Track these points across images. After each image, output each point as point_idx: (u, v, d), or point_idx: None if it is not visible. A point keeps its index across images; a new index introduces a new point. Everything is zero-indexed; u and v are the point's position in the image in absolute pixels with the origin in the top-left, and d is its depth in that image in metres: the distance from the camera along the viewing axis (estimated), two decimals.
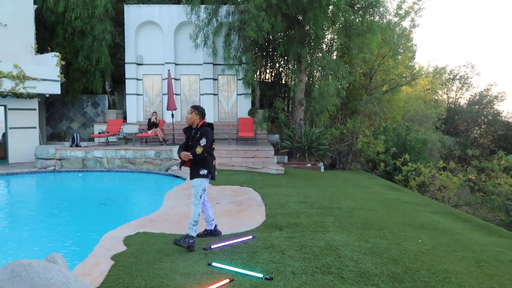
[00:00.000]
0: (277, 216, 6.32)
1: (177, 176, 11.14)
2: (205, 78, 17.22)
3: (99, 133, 14.69)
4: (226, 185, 9.26)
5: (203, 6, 15.18)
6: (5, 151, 13.76)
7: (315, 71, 14.16)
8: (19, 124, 13.88)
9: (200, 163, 4.78)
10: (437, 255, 4.61)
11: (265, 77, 20.07)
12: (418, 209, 7.30)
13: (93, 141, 15.33)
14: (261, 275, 3.87)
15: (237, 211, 6.79)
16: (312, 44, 13.17)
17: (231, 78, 17.35)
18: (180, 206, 7.18)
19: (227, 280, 3.76)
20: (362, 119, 15.58)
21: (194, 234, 4.69)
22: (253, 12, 12.16)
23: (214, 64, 17.04)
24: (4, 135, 13.72)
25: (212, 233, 5.20)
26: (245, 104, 17.03)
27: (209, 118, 17.02)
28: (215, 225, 5.25)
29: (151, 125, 14.19)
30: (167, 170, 12.02)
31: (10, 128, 13.72)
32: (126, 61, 17.01)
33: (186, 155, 4.74)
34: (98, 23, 15.72)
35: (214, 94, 17.42)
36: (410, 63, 19.94)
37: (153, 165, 12.33)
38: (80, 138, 13.59)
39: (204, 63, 17.09)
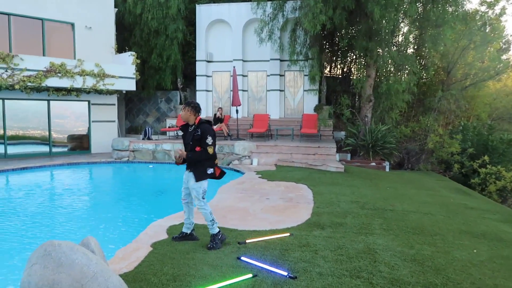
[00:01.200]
0: (323, 215, 6.15)
1: (237, 170, 11.37)
2: (272, 74, 17.31)
3: (169, 127, 15.54)
4: (281, 181, 9.24)
5: (269, 2, 15.25)
6: (89, 142, 15.21)
7: (383, 66, 13.42)
8: (100, 118, 15.25)
9: (204, 162, 4.56)
10: (490, 268, 4.14)
11: (336, 72, 19.58)
12: (484, 216, 6.60)
13: (166, 134, 16.25)
14: (285, 273, 3.81)
15: (284, 207, 6.74)
16: (379, 38, 12.50)
17: (298, 74, 17.21)
18: (229, 199, 7.33)
19: (250, 275, 3.76)
20: (437, 117, 14.44)
21: (217, 231, 4.63)
22: (310, 3, 11.93)
23: (281, 60, 17.03)
24: (89, 128, 15.16)
25: (188, 237, 4.88)
26: (311, 100, 16.79)
27: (274, 114, 17.12)
28: (193, 230, 4.95)
29: (217, 120, 14.64)
30: (228, 164, 12.33)
31: (92, 121, 15.13)
32: (196, 58, 17.74)
33: (181, 154, 4.56)
34: (171, 23, 16.61)
35: (280, 90, 17.44)
36: (502, 56, 17.97)
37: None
38: (152, 131, 14.51)
39: (271, 59, 17.17)
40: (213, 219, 4.59)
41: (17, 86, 12.35)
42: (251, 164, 12.12)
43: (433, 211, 6.62)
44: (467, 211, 6.86)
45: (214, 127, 14.13)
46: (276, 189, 8.31)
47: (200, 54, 17.71)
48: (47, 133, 14.26)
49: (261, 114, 15.58)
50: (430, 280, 3.74)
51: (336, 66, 19.52)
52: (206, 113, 17.78)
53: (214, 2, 18.32)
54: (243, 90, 17.59)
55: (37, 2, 13.82)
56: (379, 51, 13.32)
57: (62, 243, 3.14)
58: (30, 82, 12.52)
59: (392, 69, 13.15)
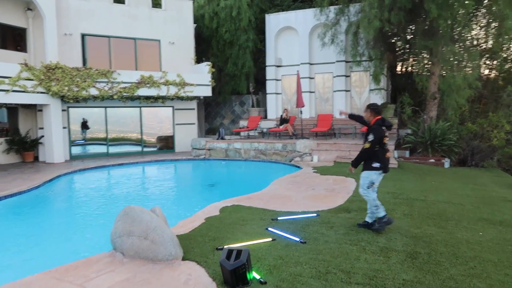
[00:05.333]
0: (355, 202, 7.00)
1: (298, 166, 12.46)
2: (337, 76, 17.99)
3: (240, 128, 17.14)
4: (332, 175, 10.11)
5: (332, 7, 16.03)
6: (173, 142, 17.47)
7: (445, 63, 13.37)
8: (182, 121, 17.42)
9: (372, 156, 5.18)
10: (484, 246, 4.70)
11: (400, 71, 19.53)
12: None
13: (239, 135, 17.89)
14: (297, 239, 4.88)
15: (323, 196, 7.70)
16: (438, 35, 12.57)
17: (363, 74, 17.65)
18: (279, 189, 8.49)
19: (270, 239, 4.91)
20: (510, 112, 13.88)
21: (382, 214, 5.16)
22: (366, 9, 12.48)
23: (346, 62, 17.64)
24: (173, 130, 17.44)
25: (368, 226, 5.33)
26: (376, 99, 17.09)
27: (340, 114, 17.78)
28: (374, 221, 5.33)
29: (283, 120, 15.84)
30: (290, 161, 13.45)
31: (176, 124, 17.36)
32: (266, 64, 19.16)
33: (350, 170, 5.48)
34: (242, 34, 18.26)
35: (346, 91, 18.02)
36: None
37: (280, 156, 13.93)
38: (225, 132, 16.23)
39: (336, 61, 17.86)
40: (377, 205, 5.17)
41: (115, 96, 14.91)
42: (311, 160, 13.09)
43: (465, 202, 7.04)
44: (503, 203, 7.12)
45: (280, 127, 15.39)
46: (324, 182, 9.25)
47: (269, 59, 19.08)
48: (140, 135, 16.79)
49: (325, 114, 16.40)
50: (417, 250, 4.52)
51: (400, 64, 19.47)
52: (276, 114, 19.07)
53: (282, 11, 19.56)
54: (310, 92, 18.55)
55: (131, 24, 16.40)
56: (443, 49, 13.34)
57: (135, 207, 4.64)
58: (125, 92, 15.01)
59: (454, 65, 13.06)
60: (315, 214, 6.13)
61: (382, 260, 4.21)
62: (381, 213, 5.20)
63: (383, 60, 15.23)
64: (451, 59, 13.03)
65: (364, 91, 17.91)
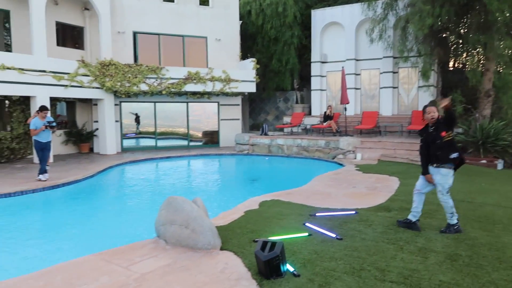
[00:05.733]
0: (396, 202, 6.87)
1: (340, 164, 12.35)
2: (384, 72, 17.53)
3: (283, 124, 17.20)
4: (375, 173, 9.94)
5: (380, 1, 15.59)
6: (218, 137, 17.88)
7: (501, 59, 12.59)
8: (227, 116, 17.78)
9: (450, 146, 4.88)
10: None
11: (452, 67, 18.62)
12: None
13: (282, 131, 17.96)
14: (334, 235, 4.91)
15: (364, 194, 7.62)
16: (493, 30, 11.85)
17: (412, 70, 17.05)
18: (319, 186, 8.49)
19: (306, 234, 4.98)
20: None
21: (454, 222, 5.04)
22: (419, 6, 12.02)
23: (394, 58, 17.13)
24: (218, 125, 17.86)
25: (409, 225, 5.20)
26: (426, 97, 16.48)
27: (386, 111, 17.35)
28: (417, 220, 5.23)
29: (326, 117, 15.71)
30: (333, 158, 13.34)
31: (221, 119, 17.75)
32: (312, 60, 19.04)
33: (430, 179, 5.10)
34: (287, 30, 18.27)
35: (393, 87, 17.52)
36: None
37: (323, 153, 13.85)
38: (268, 128, 16.38)
39: (383, 57, 17.41)
40: (452, 212, 5.01)
41: (164, 92, 15.52)
42: (355, 158, 12.90)
43: None
44: None
45: (324, 123, 15.29)
46: (366, 180, 9.12)
47: (315, 55, 18.95)
48: (186, 129, 17.34)
49: (370, 112, 16.06)
50: (457, 252, 4.39)
51: (451, 60, 18.55)
52: (320, 111, 18.92)
53: (328, 6, 19.32)
54: (355, 88, 18.22)
55: (180, 22, 16.94)
56: (501, 44, 12.58)
57: (178, 198, 4.89)
58: (173, 88, 15.57)
59: (511, 61, 12.28)
60: (354, 212, 6.10)
61: (419, 260, 4.15)
62: (454, 220, 5.05)
63: (433, 55, 14.62)
64: (508, 54, 12.26)
65: (412, 88, 17.32)
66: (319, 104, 19.11)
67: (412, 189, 7.86)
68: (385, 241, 4.76)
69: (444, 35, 15.42)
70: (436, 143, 4.97)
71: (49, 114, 10.24)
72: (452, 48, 16.06)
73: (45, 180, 9.38)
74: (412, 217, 5.26)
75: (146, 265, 4.11)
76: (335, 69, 18.67)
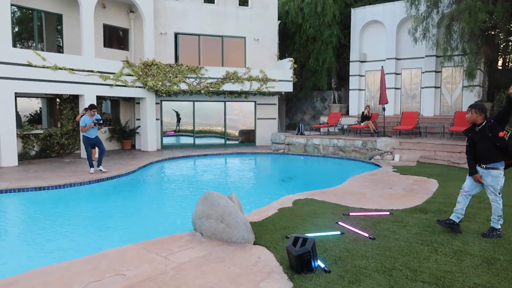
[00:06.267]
0: (433, 204, 6.74)
1: (377, 165, 12.17)
2: (427, 71, 17.04)
3: (320, 124, 17.13)
4: (413, 175, 9.74)
5: None
6: (254, 136, 18.09)
7: None
8: (263, 115, 17.95)
9: (506, 148, 4.72)
10: None
11: (502, 66, 17.75)
12: None
13: (319, 131, 17.89)
14: (367, 235, 4.92)
15: (400, 195, 7.52)
16: None
17: (456, 69, 16.45)
18: (354, 186, 8.45)
19: (338, 233, 5.03)
20: None
21: (498, 227, 4.96)
22: (467, 2, 11.59)
23: (437, 56, 16.61)
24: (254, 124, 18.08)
25: (451, 226, 5.09)
26: (470, 97, 15.87)
27: (428, 112, 16.86)
28: (459, 222, 5.12)
29: (364, 117, 15.48)
30: (370, 159, 13.16)
31: (257, 118, 17.94)
32: (350, 59, 18.82)
33: (478, 179, 4.95)
34: (326, 29, 18.16)
35: (436, 87, 16.99)
36: None
37: (360, 153, 13.69)
38: (304, 127, 16.38)
39: (426, 55, 16.92)
40: (500, 215, 4.93)
41: (202, 91, 15.92)
42: (393, 159, 12.67)
43: None
44: None
45: (361, 124, 15.11)
46: (403, 181, 8.97)
47: (354, 55, 18.72)
48: (223, 128, 17.68)
49: (410, 112, 15.66)
50: (495, 256, 4.29)
51: (500, 59, 17.69)
52: (358, 111, 18.67)
53: (369, 4, 19.01)
54: (395, 88, 17.83)
55: (219, 22, 17.30)
56: None
57: (214, 193, 5.09)
58: (211, 87, 15.94)
59: None
60: (389, 213, 6.06)
61: (454, 263, 4.09)
62: (498, 225, 4.95)
63: (479, 54, 14.06)
64: None
65: (456, 88, 16.72)
66: (357, 104, 18.86)
67: (452, 192, 7.69)
68: (419, 242, 4.72)
69: (492, 33, 14.80)
70: (497, 146, 4.75)
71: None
72: (502, 46, 15.37)
73: (105, 171, 10.39)
74: (455, 218, 5.14)
75: (183, 255, 4.33)
76: (374, 68, 18.36)
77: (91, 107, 10.36)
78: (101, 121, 10.43)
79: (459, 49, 14.48)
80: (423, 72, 17.23)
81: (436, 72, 16.85)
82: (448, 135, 13.82)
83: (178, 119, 17.28)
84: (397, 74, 17.87)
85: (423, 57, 17.02)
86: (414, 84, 17.71)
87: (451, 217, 5.17)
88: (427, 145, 12.64)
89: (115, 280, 3.68)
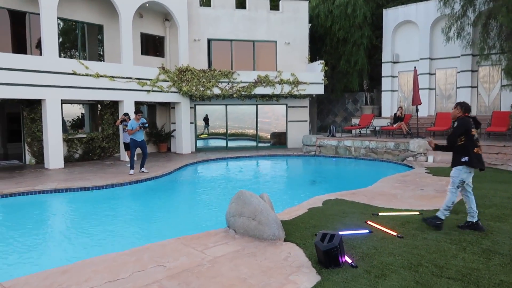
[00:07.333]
0: (465, 204, 6.71)
1: (410, 166, 12.09)
2: (462, 71, 16.66)
3: (351, 125, 17.10)
4: (446, 176, 9.45)
5: None
6: (285, 139, 18.31)
7: None
8: (294, 118, 18.13)
9: (461, 151, 5.22)
10: None
11: None
12: None
13: (351, 133, 17.85)
14: (394, 234, 5.05)
15: (432, 196, 7.52)
16: None
17: (494, 68, 15.98)
18: (385, 187, 8.51)
19: (367, 231, 5.18)
20: None
21: (442, 217, 5.23)
22: None
23: (473, 55, 16.21)
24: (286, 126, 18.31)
25: (473, 226, 5.20)
26: (510, 96, 15.36)
27: None
28: (478, 220, 5.27)
29: (396, 119, 15.35)
30: (403, 160, 13.06)
31: (289, 121, 18.14)
32: (382, 60, 18.67)
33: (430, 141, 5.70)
34: (356, 31, 18.14)
35: (472, 87, 16.57)
36: None
37: (392, 155, 13.61)
38: (336, 129, 16.42)
39: (461, 55, 16.56)
40: (448, 207, 5.23)
41: (235, 95, 16.32)
42: (426, 161, 12.52)
43: None
44: None
45: (394, 125, 14.99)
46: (436, 183, 8.92)
47: (386, 56, 18.56)
48: (255, 131, 18.01)
49: (444, 113, 15.38)
50: None
51: None
52: (391, 112, 18.48)
53: (401, 4, 18.80)
54: (429, 89, 17.55)
55: (251, 27, 17.68)
56: None
57: (246, 192, 5.38)
58: (243, 91, 16.31)
59: None
60: (418, 213, 6.12)
61: (481, 261, 4.16)
62: (442, 216, 5.26)
63: None
64: None
65: (494, 87, 16.23)
66: (389, 105, 18.68)
67: (485, 193, 7.61)
68: (448, 241, 4.80)
69: None
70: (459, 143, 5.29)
71: (132, 116, 11.53)
72: None
73: (147, 172, 11.08)
74: (470, 218, 5.27)
75: (218, 250, 4.64)
76: (407, 69, 18.13)
77: (136, 111, 11.13)
78: (146, 125, 11.13)
79: (497, 48, 14.08)
80: (458, 72, 16.85)
81: (473, 71, 16.43)
82: (485, 135, 13.49)
83: (207, 123, 17.74)
84: (431, 74, 17.57)
85: (459, 57, 16.66)
86: (449, 84, 17.34)
87: (467, 219, 5.34)
88: None
89: (156, 271, 4.03)
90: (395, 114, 15.62)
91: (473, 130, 5.23)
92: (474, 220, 5.26)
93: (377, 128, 16.33)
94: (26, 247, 5.74)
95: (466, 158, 5.18)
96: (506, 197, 7.28)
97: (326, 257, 3.99)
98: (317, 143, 15.64)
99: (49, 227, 7.06)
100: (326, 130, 20.32)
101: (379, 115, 19.10)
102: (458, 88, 16.89)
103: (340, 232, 4.99)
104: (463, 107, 5.36)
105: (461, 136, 5.23)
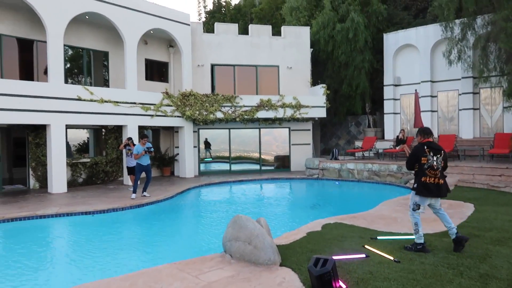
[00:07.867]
0: (466, 228, 6.63)
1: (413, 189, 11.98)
2: (463, 93, 16.74)
3: (354, 148, 17.11)
4: (449, 199, 9.53)
5: (457, 21, 15.08)
6: (289, 162, 18.32)
7: None
8: (297, 141, 18.20)
9: (414, 176, 5.52)
10: None
11: None
12: None
13: (354, 155, 17.84)
14: (391, 258, 5.00)
15: (432, 219, 7.35)
16: None
17: (496, 90, 16.05)
18: (386, 210, 8.45)
19: (363, 255, 5.13)
20: None
21: (420, 241, 5.28)
22: (501, 24, 11.51)
23: (473, 78, 16.32)
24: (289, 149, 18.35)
25: (418, 248, 5.28)
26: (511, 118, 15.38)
27: (467, 134, 16.43)
28: (457, 232, 5.32)
29: (399, 141, 15.36)
30: (405, 183, 12.98)
31: (292, 144, 18.21)
32: (384, 83, 18.84)
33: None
34: (358, 55, 18.41)
35: (474, 109, 16.60)
36: None
37: (395, 178, 13.55)
38: (338, 152, 16.44)
39: (462, 77, 16.68)
40: (415, 230, 5.34)
41: (237, 119, 16.49)
42: None
43: None
44: None
45: (397, 148, 14.99)
46: None
47: (387, 79, 18.74)
48: (258, 154, 18.08)
49: (447, 135, 15.36)
50: None
51: None
52: (394, 134, 18.49)
53: (401, 29, 19.11)
54: (431, 111, 17.59)
55: (253, 53, 18.02)
56: None
57: (242, 216, 5.39)
58: (246, 115, 16.49)
59: None
60: (414, 236, 6.05)
61: (478, 286, 4.10)
62: (420, 240, 5.30)
63: None
64: None
65: (496, 109, 16.25)
66: (392, 127, 18.71)
67: (487, 216, 7.54)
68: (445, 265, 4.74)
69: None
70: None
71: (136, 141, 11.67)
72: None
73: (149, 196, 11.10)
74: (451, 235, 5.36)
75: (212, 275, 4.62)
76: (409, 91, 18.26)
77: (142, 136, 11.27)
78: (152, 149, 11.24)
79: (497, 70, 14.20)
80: (460, 94, 16.94)
81: (474, 93, 16.51)
82: (488, 157, 13.42)
83: (208, 147, 17.83)
84: (433, 96, 17.66)
85: (460, 79, 16.78)
86: (451, 106, 17.40)
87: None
88: (465, 169, 12.34)
89: None
90: (397, 136, 15.64)
91: (423, 158, 5.26)
92: (453, 237, 5.32)
93: (380, 151, 16.32)
94: (16, 272, 5.74)
95: (415, 185, 5.42)
96: (508, 220, 7.19)
97: (319, 282, 3.96)
98: (320, 166, 15.64)
99: (44, 252, 7.05)
100: (329, 153, 20.33)
101: (382, 137, 19.12)
102: (460, 110, 16.93)
103: (336, 257, 4.96)
104: (422, 132, 5.51)
105: (415, 163, 5.39)
